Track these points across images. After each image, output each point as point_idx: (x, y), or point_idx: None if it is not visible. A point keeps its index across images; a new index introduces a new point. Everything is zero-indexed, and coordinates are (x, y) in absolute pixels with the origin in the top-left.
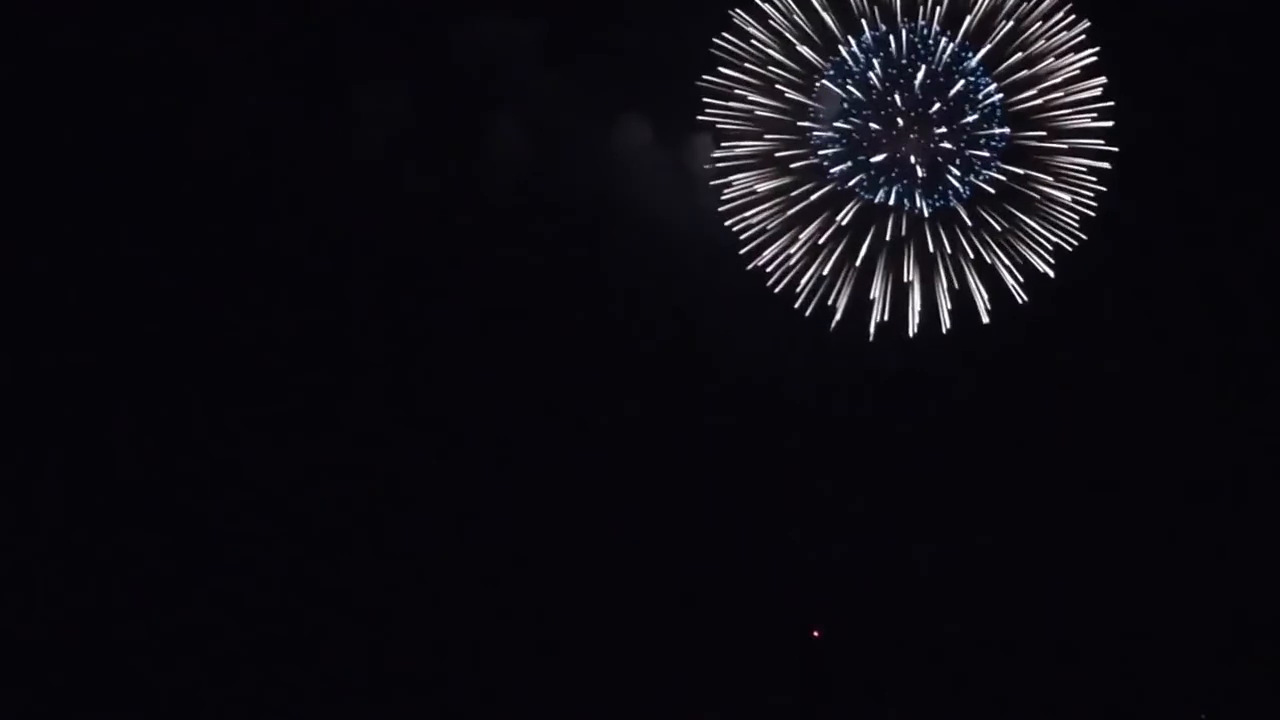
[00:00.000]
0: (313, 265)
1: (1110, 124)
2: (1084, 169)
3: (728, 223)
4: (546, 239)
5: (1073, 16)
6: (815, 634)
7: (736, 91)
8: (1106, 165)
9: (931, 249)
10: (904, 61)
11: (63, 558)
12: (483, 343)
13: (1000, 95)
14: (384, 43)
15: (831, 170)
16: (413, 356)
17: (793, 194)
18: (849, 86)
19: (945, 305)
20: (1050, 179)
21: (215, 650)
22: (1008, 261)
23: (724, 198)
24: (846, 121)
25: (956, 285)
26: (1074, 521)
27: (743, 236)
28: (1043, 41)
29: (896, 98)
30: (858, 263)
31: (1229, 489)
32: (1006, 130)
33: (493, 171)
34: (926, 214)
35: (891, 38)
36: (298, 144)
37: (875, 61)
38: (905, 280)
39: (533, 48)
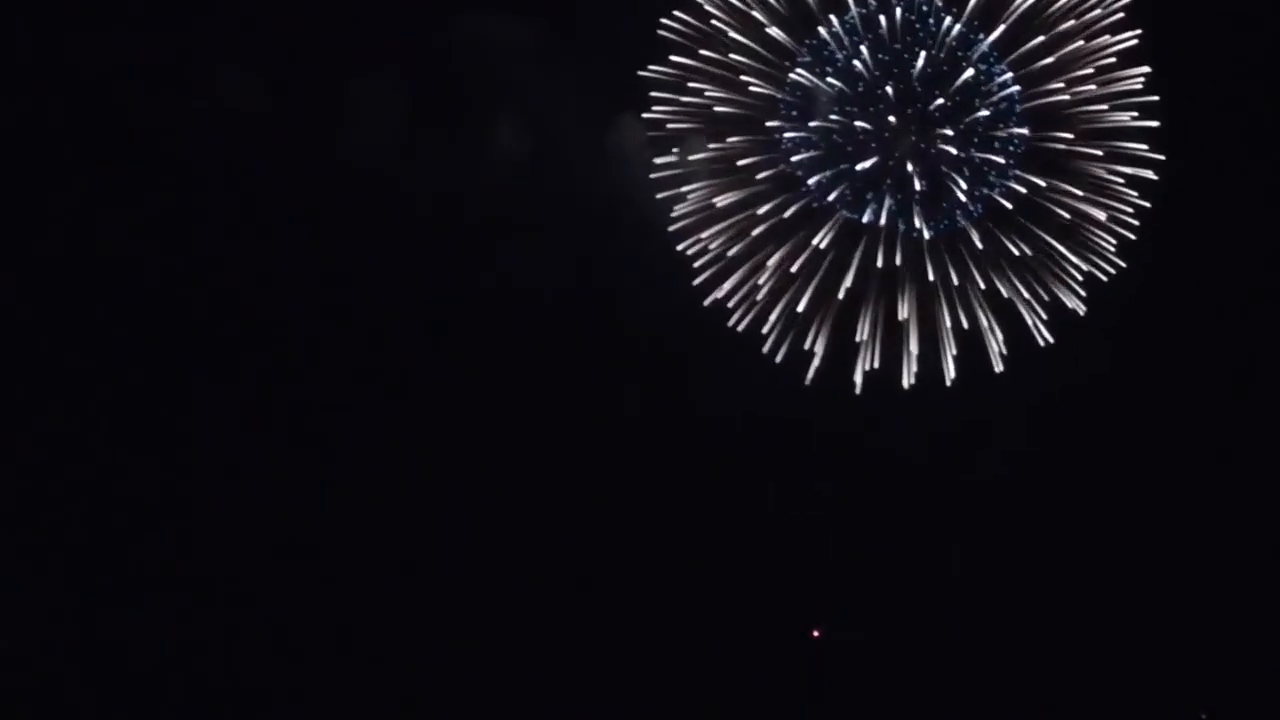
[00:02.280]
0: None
1: (1156, 124)
2: (1123, 179)
3: (680, 245)
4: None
5: None
6: (815, 634)
7: (690, 84)
8: (1150, 174)
9: (932, 278)
10: (898, 46)
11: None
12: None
13: (1018, 87)
14: (362, 41)
15: (808, 181)
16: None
17: (759, 210)
18: (829, 77)
19: (949, 350)
20: (1081, 192)
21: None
22: (1028, 295)
23: (675, 214)
24: (826, 120)
25: (964, 325)
26: (1074, 522)
27: (698, 263)
28: (1071, 20)
29: (889, 90)
30: (840, 296)
31: (1230, 490)
32: (1025, 131)
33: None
34: (927, 236)
35: (882, 17)
36: (284, 141)
37: (862, 46)
38: (900, 319)
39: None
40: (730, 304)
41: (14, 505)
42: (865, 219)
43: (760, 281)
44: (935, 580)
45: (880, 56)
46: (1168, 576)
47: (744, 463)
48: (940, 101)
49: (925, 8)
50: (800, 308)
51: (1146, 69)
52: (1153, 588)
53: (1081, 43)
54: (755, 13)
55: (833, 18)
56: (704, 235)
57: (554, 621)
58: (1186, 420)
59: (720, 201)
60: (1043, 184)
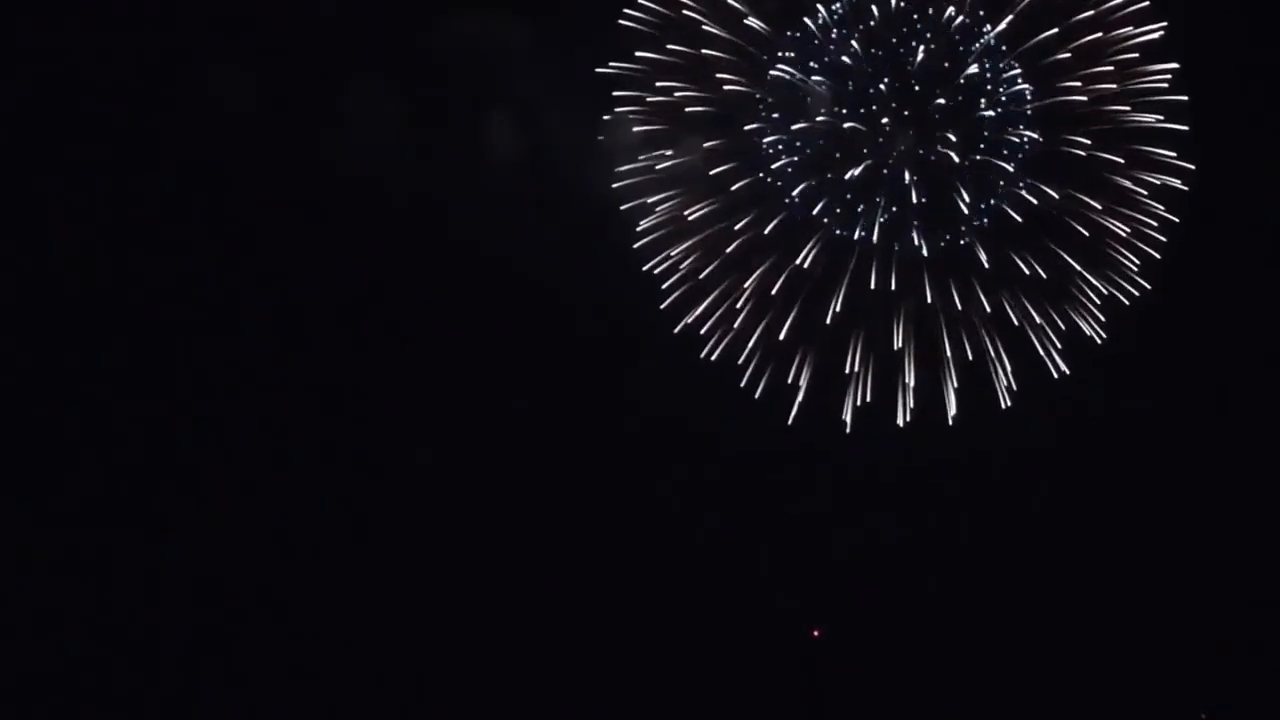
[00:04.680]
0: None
1: (1184, 127)
2: (1146, 190)
3: (646, 266)
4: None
5: None
6: (815, 634)
7: (658, 83)
8: (1178, 184)
9: (930, 300)
10: (894, 39)
11: None
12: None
13: (1028, 86)
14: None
15: (793, 193)
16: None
17: (735, 225)
18: (815, 74)
19: (951, 383)
20: (1099, 204)
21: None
22: (1039, 320)
23: (640, 229)
24: (811, 121)
25: (969, 355)
26: (1075, 521)
27: (665, 285)
28: (1090, 10)
29: (882, 88)
30: (827, 321)
31: (1230, 489)
32: (1037, 135)
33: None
34: (926, 254)
35: (875, 6)
36: (272, 141)
37: (853, 38)
38: (895, 347)
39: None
40: (703, 330)
41: (11, 505)
42: (855, 235)
43: (737, 305)
44: (935, 580)
45: (873, 50)
46: (1167, 577)
47: (741, 465)
48: (941, 101)
49: None
50: (781, 335)
51: (1174, 65)
52: (1153, 588)
53: (1100, 35)
54: (732, 1)
55: (819, 6)
56: (673, 252)
57: (553, 622)
58: (1207, 446)
59: (691, 215)
60: (1056, 195)
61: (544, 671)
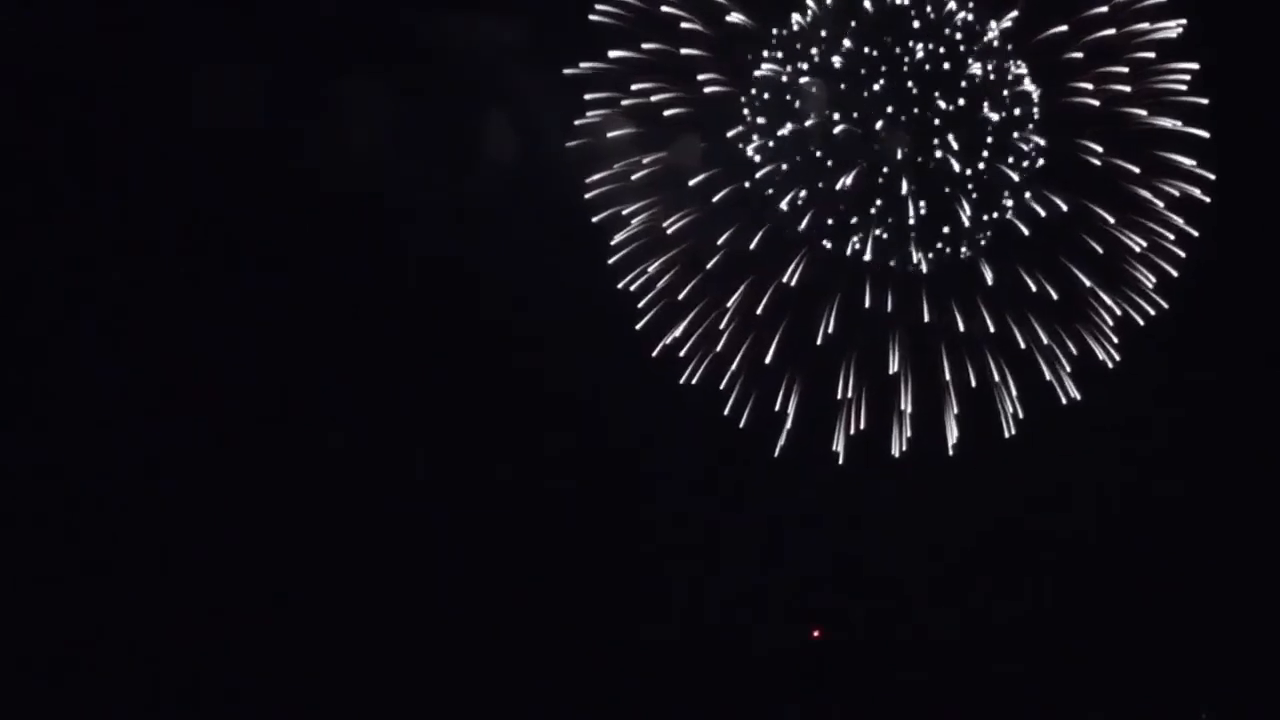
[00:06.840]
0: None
1: (1205, 133)
2: (1165, 200)
3: (620, 283)
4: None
5: None
6: (815, 634)
7: (633, 85)
8: (1199, 193)
9: (929, 321)
10: (890, 37)
11: None
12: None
13: (1038, 87)
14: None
15: (780, 203)
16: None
17: (717, 238)
18: (804, 74)
19: (951, 411)
20: (1113, 216)
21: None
22: (1048, 342)
23: (613, 243)
24: (800, 125)
25: (971, 380)
26: (1080, 544)
27: (641, 304)
28: (1103, 6)
29: (877, 88)
30: (817, 343)
31: (1234, 492)
32: (1044, 141)
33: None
34: (924, 270)
35: (868, 1)
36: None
37: (846, 35)
38: (891, 372)
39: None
40: (682, 353)
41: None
42: (848, 249)
43: (718, 327)
44: (934, 577)
45: (867, 49)
46: (1168, 576)
47: (727, 488)
48: (941, 103)
49: None
50: (767, 360)
51: (1194, 64)
52: (1152, 587)
53: (1114, 32)
54: None
55: (809, 1)
56: (650, 268)
57: (551, 620)
58: (1225, 471)
59: (669, 226)
60: (1066, 206)
61: (541, 674)
